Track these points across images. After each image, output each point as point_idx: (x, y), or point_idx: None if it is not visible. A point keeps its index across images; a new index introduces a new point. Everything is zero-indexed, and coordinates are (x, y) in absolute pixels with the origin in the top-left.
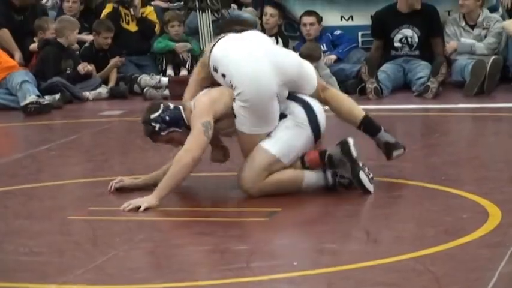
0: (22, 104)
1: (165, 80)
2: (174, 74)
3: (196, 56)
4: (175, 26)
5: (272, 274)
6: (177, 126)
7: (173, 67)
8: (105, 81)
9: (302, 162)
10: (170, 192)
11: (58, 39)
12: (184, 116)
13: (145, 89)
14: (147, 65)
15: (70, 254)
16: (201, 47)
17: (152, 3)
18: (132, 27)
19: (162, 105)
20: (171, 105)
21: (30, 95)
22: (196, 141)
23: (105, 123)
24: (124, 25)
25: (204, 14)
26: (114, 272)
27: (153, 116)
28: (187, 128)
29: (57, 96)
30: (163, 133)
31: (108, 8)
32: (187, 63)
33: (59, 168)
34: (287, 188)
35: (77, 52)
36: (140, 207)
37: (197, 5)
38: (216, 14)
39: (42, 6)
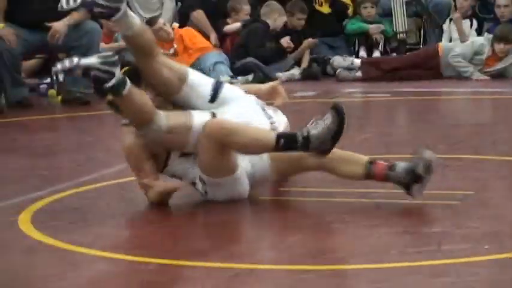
0: None
1: (357, 61)
2: (366, 55)
3: (388, 37)
4: (368, 8)
5: (464, 257)
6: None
7: (366, 49)
8: (298, 63)
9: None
10: None
11: (266, 20)
12: None
13: (338, 70)
14: (339, 46)
15: (257, 234)
16: (394, 29)
17: None
18: (325, 8)
19: None
20: None
21: (224, 76)
22: None
23: (298, 104)
24: (317, 7)
25: None
26: (304, 252)
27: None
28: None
29: (250, 77)
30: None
31: None
32: (380, 44)
33: None
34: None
35: None
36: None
37: None
38: None
39: None
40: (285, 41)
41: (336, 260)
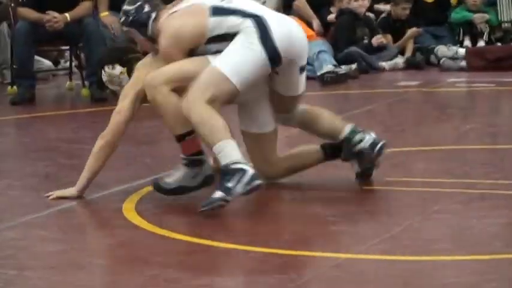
0: (319, 73)
1: (462, 50)
2: (471, 45)
3: (493, 27)
4: None
5: None
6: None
7: (470, 38)
8: (402, 52)
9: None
10: None
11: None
12: (149, 25)
13: (442, 59)
14: (443, 35)
15: (364, 224)
16: (499, 18)
17: None
18: None
19: (140, 3)
20: (147, 8)
21: (327, 65)
22: None
23: (401, 94)
24: None
25: None
26: (409, 242)
27: (126, 7)
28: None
29: (354, 66)
30: (124, 28)
31: None
32: (485, 34)
33: None
34: None
35: (375, 22)
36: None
37: None
38: None
39: None
40: (375, 40)
41: (440, 251)
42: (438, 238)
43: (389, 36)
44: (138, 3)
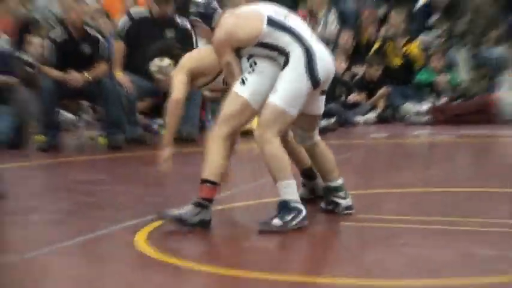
0: None
1: (425, 107)
2: (434, 102)
3: (454, 86)
4: (436, 60)
5: None
6: (203, 21)
7: (433, 96)
8: (374, 108)
9: None
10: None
11: None
12: (214, 19)
13: (408, 115)
14: (410, 94)
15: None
16: (459, 79)
17: (418, 38)
18: (397, 61)
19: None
20: (214, 4)
21: None
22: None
23: (373, 145)
24: (390, 59)
25: (461, 51)
26: (374, 268)
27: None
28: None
29: (333, 119)
30: (192, 17)
31: (377, 44)
32: (446, 92)
33: None
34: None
35: (351, 82)
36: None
37: (455, 42)
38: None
39: None
40: (352, 98)
41: (398, 276)
42: (399, 266)
43: (363, 95)
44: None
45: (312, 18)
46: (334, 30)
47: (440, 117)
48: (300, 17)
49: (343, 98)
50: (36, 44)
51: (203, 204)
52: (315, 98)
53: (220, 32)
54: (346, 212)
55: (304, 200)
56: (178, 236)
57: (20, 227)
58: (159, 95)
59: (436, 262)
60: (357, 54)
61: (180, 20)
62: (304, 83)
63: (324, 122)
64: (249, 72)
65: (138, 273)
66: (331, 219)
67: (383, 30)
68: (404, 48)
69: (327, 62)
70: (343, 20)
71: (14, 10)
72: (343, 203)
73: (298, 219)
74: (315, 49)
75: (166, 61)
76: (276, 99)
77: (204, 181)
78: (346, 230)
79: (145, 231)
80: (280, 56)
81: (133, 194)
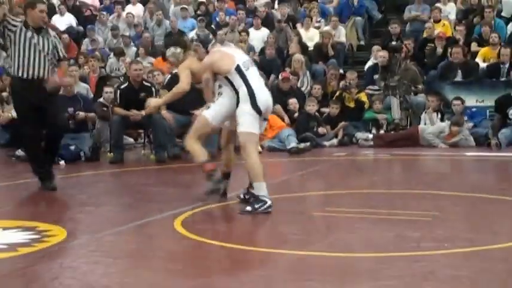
0: (288, 147)
1: (370, 136)
2: (376, 132)
3: (389, 122)
4: (377, 104)
5: None
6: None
7: (376, 128)
8: (336, 136)
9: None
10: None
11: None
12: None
13: (359, 140)
14: (360, 126)
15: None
16: (392, 117)
17: (365, 90)
18: (351, 103)
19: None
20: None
21: (292, 143)
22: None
23: (335, 160)
24: (346, 102)
25: (394, 98)
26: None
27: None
28: None
29: (308, 144)
30: (195, 43)
31: (338, 92)
32: (384, 126)
33: (305, 184)
34: None
35: (320, 118)
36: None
37: (390, 92)
38: (401, 99)
39: None
40: (321, 130)
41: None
42: (355, 243)
43: (328, 127)
44: (206, 34)
45: (294, 76)
46: (309, 84)
47: (381, 142)
48: (285, 75)
49: (314, 129)
50: (109, 92)
51: (211, 174)
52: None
53: (207, 59)
54: (264, 209)
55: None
56: (203, 222)
57: (93, 215)
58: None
59: (380, 240)
60: (324, 99)
61: None
62: (252, 112)
63: (302, 145)
64: (216, 99)
65: (176, 247)
66: (308, 211)
67: (342, 83)
68: (357, 96)
69: (265, 98)
70: (314, 77)
71: (95, 69)
72: (266, 199)
73: (263, 208)
74: (257, 90)
75: (178, 49)
76: (243, 128)
77: (200, 165)
78: (317, 218)
79: (181, 218)
80: (233, 90)
81: (172, 193)
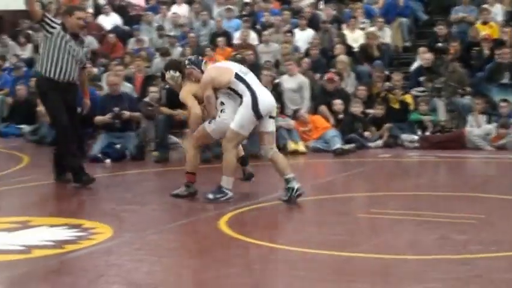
0: (332, 148)
1: (416, 137)
2: (422, 134)
3: (435, 124)
4: (423, 105)
5: None
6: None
7: (421, 130)
8: (381, 137)
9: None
10: None
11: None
12: (202, 66)
13: (404, 142)
14: (405, 128)
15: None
16: (438, 118)
17: (411, 92)
18: (396, 105)
19: (196, 56)
20: (200, 58)
21: (337, 144)
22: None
23: (381, 161)
24: (391, 104)
25: (440, 100)
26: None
27: (190, 57)
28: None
29: (353, 145)
30: (187, 66)
31: (383, 94)
32: (430, 127)
33: (350, 185)
34: None
35: (366, 119)
36: None
37: (436, 94)
38: (447, 100)
39: None
40: (367, 134)
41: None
42: (402, 245)
43: (373, 128)
44: (195, 56)
45: (339, 77)
46: (353, 85)
47: (426, 144)
48: (330, 76)
49: (359, 130)
50: (154, 91)
51: (189, 185)
52: (264, 120)
53: (206, 77)
54: (298, 193)
55: None
56: (248, 222)
57: (138, 214)
58: None
59: (424, 243)
60: (369, 100)
61: None
62: (250, 116)
63: (346, 146)
64: (218, 116)
65: (220, 247)
66: (353, 212)
67: (386, 85)
68: (401, 97)
69: (268, 101)
70: (359, 78)
71: (140, 68)
72: (296, 186)
73: (223, 198)
74: (260, 95)
75: (177, 73)
76: (233, 126)
77: (187, 172)
78: (361, 219)
79: (225, 218)
80: (237, 96)
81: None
